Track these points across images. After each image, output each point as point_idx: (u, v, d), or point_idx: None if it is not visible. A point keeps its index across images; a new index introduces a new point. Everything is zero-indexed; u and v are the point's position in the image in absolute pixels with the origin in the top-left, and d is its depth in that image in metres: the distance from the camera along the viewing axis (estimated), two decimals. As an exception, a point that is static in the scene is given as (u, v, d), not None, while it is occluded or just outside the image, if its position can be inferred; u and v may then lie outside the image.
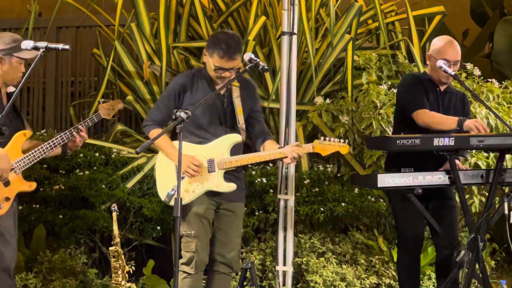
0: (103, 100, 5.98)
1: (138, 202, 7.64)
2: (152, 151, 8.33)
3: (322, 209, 7.48)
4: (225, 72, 5.60)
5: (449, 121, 5.92)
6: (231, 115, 5.73)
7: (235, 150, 5.72)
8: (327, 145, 5.66)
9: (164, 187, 5.62)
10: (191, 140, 5.66)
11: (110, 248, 6.01)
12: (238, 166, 5.70)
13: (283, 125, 7.06)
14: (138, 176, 7.87)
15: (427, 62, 6.20)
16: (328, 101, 8.04)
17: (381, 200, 7.63)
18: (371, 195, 7.65)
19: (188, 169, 5.54)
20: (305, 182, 7.72)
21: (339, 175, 7.99)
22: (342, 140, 5.67)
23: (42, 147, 5.56)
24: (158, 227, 7.78)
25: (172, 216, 4.85)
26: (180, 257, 5.60)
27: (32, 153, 5.52)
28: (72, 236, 7.61)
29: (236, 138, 5.71)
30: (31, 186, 5.60)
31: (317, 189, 7.69)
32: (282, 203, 7.01)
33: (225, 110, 5.73)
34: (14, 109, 5.58)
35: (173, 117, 4.86)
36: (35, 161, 5.55)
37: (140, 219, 7.72)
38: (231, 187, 5.69)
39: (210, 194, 5.69)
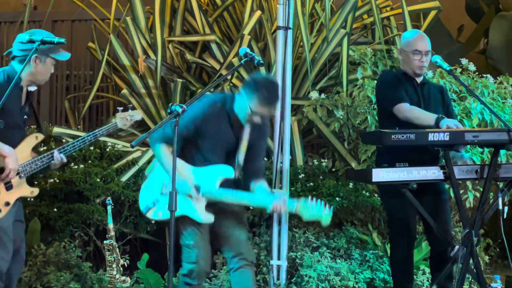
0: (122, 108, 5.93)
1: (133, 196, 7.61)
2: (146, 144, 8.29)
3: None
4: (258, 118, 5.50)
5: (428, 117, 5.92)
6: (235, 149, 5.67)
7: (226, 184, 5.63)
8: (312, 211, 5.38)
9: (145, 195, 5.66)
10: (193, 163, 5.64)
11: (105, 242, 6.01)
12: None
13: (278, 119, 7.08)
14: (133, 170, 7.84)
15: (399, 56, 6.26)
16: (323, 95, 8.01)
17: (376, 195, 7.61)
18: (366, 190, 7.65)
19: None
20: (300, 176, 7.70)
21: (334, 169, 7.97)
22: (327, 207, 5.39)
23: (41, 158, 5.50)
24: (153, 221, 7.73)
25: (167, 210, 4.83)
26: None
27: (41, 158, 5.48)
28: (66, 229, 7.58)
29: (229, 173, 5.62)
30: (32, 192, 5.53)
31: (311, 183, 7.68)
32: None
33: (233, 143, 5.68)
34: (30, 108, 5.57)
35: (168, 110, 4.87)
36: (42, 167, 5.49)
37: (135, 213, 7.70)
38: (210, 219, 5.56)
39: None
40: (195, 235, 5.58)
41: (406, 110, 5.99)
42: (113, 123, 5.82)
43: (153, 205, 5.54)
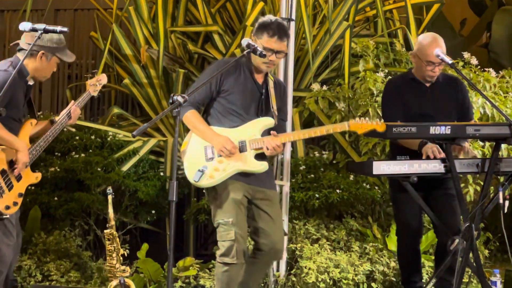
0: (89, 75, 6.02)
1: (133, 186, 7.64)
2: (148, 134, 8.40)
3: (317, 195, 7.47)
4: (272, 55, 5.63)
5: (412, 143, 5.99)
6: (266, 102, 5.76)
7: (267, 134, 5.71)
8: (364, 124, 5.63)
9: (193, 166, 5.63)
10: (225, 125, 5.70)
11: (105, 231, 5.99)
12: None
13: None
14: (134, 160, 7.87)
15: (412, 60, 6.21)
16: (325, 87, 8.02)
17: (376, 188, 7.61)
18: (366, 182, 7.65)
19: (222, 150, 5.57)
20: (301, 168, 7.71)
21: (334, 162, 7.98)
22: (377, 119, 5.67)
23: (45, 138, 5.58)
24: (153, 211, 7.81)
25: (167, 199, 4.83)
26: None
27: (39, 143, 5.56)
28: (67, 218, 7.62)
29: (268, 121, 5.73)
30: (37, 178, 5.62)
31: (312, 175, 7.69)
32: (277, 189, 6.94)
33: (261, 98, 5.77)
34: (29, 102, 5.66)
35: (170, 101, 4.82)
36: (40, 152, 5.59)
37: (135, 202, 7.73)
38: (264, 165, 5.67)
39: (245, 179, 5.68)
40: (235, 212, 5.59)
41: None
42: (86, 93, 5.87)
43: (203, 172, 5.55)
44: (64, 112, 5.73)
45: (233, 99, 5.68)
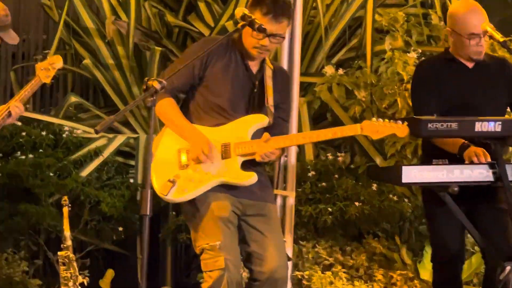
0: (40, 57, 5.98)
1: (95, 196, 7.66)
2: (114, 130, 8.45)
3: (330, 209, 7.49)
4: (265, 38, 5.51)
5: (451, 144, 5.95)
6: (259, 95, 5.71)
7: (259, 135, 5.64)
8: (381, 125, 5.54)
9: (162, 175, 5.55)
10: (206, 123, 5.66)
11: (59, 253, 6.00)
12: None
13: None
14: (96, 162, 7.91)
15: (449, 38, 6.14)
16: (341, 71, 8.02)
17: (406, 200, 7.65)
18: (393, 193, 7.67)
19: (198, 154, 5.51)
20: (309, 174, 7.75)
21: (352, 166, 7.99)
22: (399, 121, 5.56)
23: None
24: (120, 228, 7.80)
25: (139, 214, 4.84)
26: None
27: None
28: (10, 237, 7.62)
29: (259, 119, 5.67)
30: None
31: (324, 183, 7.71)
32: (279, 201, 7.04)
33: (253, 90, 5.73)
34: None
35: (144, 87, 4.83)
36: None
37: (97, 217, 7.76)
38: (251, 177, 5.58)
39: (232, 191, 5.61)
40: (223, 234, 5.49)
41: None
42: (35, 79, 5.82)
43: (174, 183, 5.46)
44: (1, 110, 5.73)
45: (218, 90, 5.65)
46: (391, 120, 5.53)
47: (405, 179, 5.71)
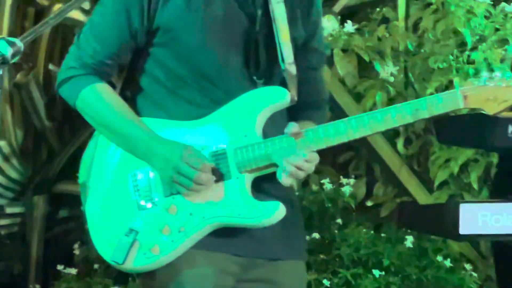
0: None
1: None
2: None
3: (326, 282, 6.25)
4: None
5: None
6: (266, 40, 4.29)
7: (278, 125, 4.20)
8: (502, 90, 4.04)
9: (106, 224, 4.33)
10: (176, 114, 4.29)
11: None
12: None
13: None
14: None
15: None
16: (350, 26, 7.06)
17: (468, 266, 6.45)
18: (444, 254, 6.46)
19: (177, 181, 4.12)
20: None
21: (369, 203, 6.96)
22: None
23: None
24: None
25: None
26: None
27: None
28: None
29: (276, 95, 4.21)
30: None
31: (316, 235, 6.56)
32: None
33: (257, 33, 4.31)
34: None
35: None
36: None
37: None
38: (274, 211, 4.18)
39: (223, 245, 4.27)
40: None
41: None
42: None
43: (133, 240, 4.17)
44: None
45: (188, 45, 4.20)
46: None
47: (466, 227, 5.35)
